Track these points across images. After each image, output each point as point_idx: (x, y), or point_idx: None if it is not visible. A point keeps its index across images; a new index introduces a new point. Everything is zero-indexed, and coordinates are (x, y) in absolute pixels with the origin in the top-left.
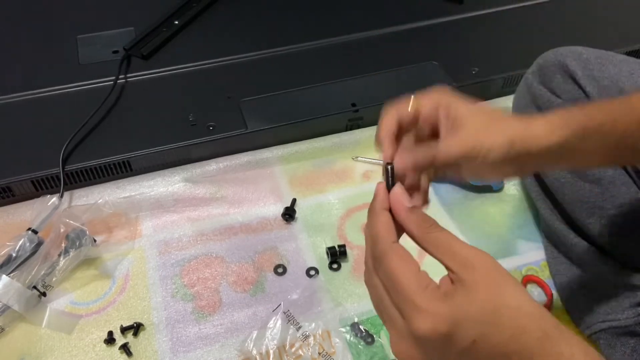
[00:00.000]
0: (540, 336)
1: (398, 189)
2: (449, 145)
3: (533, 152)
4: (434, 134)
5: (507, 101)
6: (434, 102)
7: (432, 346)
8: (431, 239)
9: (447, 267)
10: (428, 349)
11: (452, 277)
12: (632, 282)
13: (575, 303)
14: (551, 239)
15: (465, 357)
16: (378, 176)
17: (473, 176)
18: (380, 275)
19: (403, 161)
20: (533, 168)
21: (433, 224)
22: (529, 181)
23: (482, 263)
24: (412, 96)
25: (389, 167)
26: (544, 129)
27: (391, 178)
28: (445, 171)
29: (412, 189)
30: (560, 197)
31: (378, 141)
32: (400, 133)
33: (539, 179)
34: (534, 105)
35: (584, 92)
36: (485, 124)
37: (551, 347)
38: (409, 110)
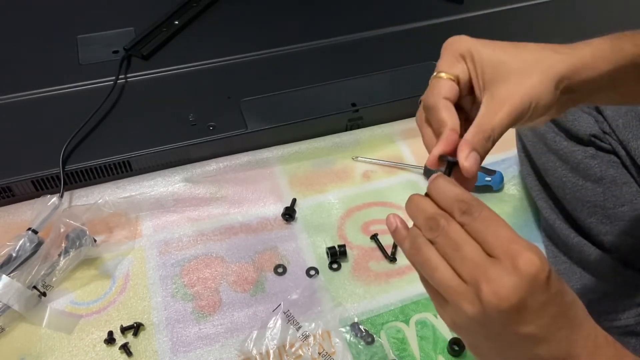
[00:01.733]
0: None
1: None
2: (492, 117)
3: (583, 84)
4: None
5: None
6: (454, 57)
7: (502, 321)
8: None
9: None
10: (494, 325)
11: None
12: (633, 282)
13: None
14: (552, 239)
15: (550, 319)
16: (378, 176)
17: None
18: (474, 223)
19: (471, 162)
20: (585, 98)
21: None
22: (529, 180)
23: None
24: (437, 74)
25: (449, 159)
26: (591, 57)
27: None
28: None
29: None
30: (561, 196)
31: (431, 103)
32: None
33: (540, 178)
34: None
35: None
36: (521, 69)
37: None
38: (452, 80)
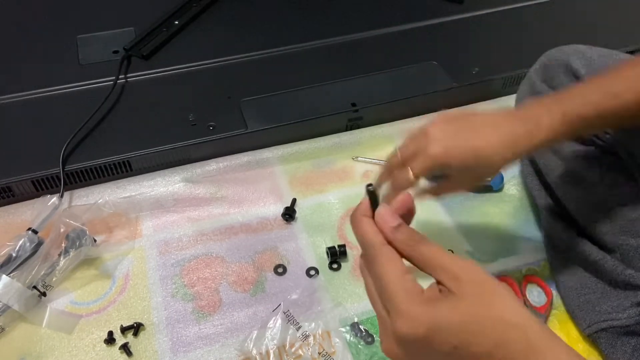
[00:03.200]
0: (524, 348)
1: (382, 209)
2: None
3: (536, 148)
4: None
5: (508, 101)
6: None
7: (413, 346)
8: (419, 255)
9: (436, 280)
10: (409, 349)
11: (441, 288)
12: (633, 282)
13: (576, 302)
14: (552, 238)
15: (449, 359)
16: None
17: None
18: (371, 275)
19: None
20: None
21: (420, 240)
22: (530, 180)
23: (470, 275)
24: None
25: (369, 189)
26: (546, 125)
27: (372, 200)
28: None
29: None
30: (562, 196)
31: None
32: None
33: (541, 178)
34: None
35: None
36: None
37: (535, 358)
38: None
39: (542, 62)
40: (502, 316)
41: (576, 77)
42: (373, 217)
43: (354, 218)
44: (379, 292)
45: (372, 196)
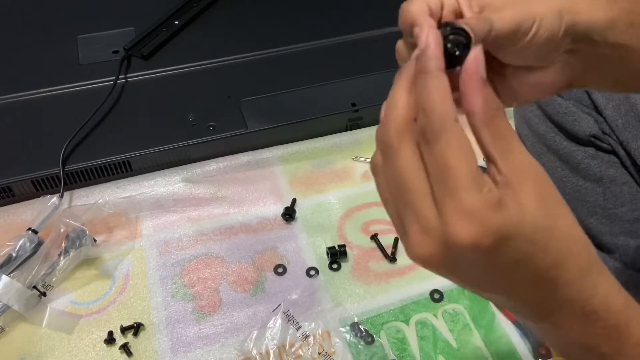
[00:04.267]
0: (584, 266)
1: (479, 51)
2: (501, 14)
3: (579, 28)
4: None
5: None
6: None
7: (466, 258)
8: (494, 129)
9: (495, 165)
10: (458, 259)
11: (500, 179)
12: (634, 282)
13: None
14: None
15: (499, 277)
16: None
17: (515, 60)
18: (428, 156)
19: (473, 21)
20: (583, 57)
21: (500, 109)
22: None
23: (537, 175)
24: None
25: (455, 27)
26: (587, 4)
27: (451, 50)
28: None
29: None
30: (561, 195)
31: (409, 21)
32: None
33: None
34: (536, 103)
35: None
36: None
37: (591, 280)
38: None
39: None
40: (569, 229)
41: None
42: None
43: (424, 70)
44: (436, 180)
45: (455, 41)
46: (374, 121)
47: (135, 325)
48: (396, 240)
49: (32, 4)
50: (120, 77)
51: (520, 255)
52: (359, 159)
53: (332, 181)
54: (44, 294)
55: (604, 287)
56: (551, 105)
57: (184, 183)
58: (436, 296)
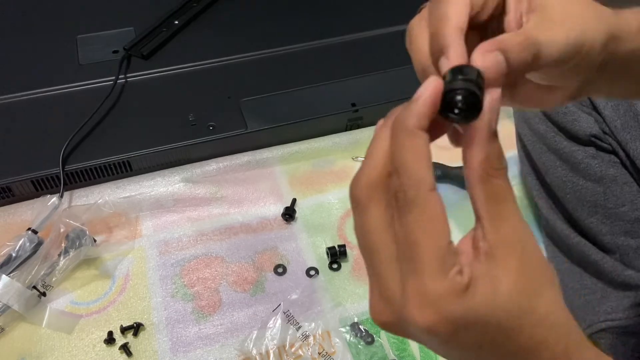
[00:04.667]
0: (559, 354)
1: (495, 102)
2: (543, 30)
3: (620, 54)
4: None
5: None
6: None
7: (421, 337)
8: (489, 188)
9: (483, 228)
10: (415, 335)
11: (482, 245)
12: (633, 282)
13: (576, 303)
14: (552, 239)
15: (458, 358)
16: None
17: (525, 93)
18: (397, 223)
19: (491, 59)
20: (605, 86)
21: (503, 168)
22: (529, 180)
23: (524, 249)
24: None
25: (471, 76)
26: (637, 22)
27: (450, 97)
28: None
29: None
30: (562, 195)
31: (440, 41)
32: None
33: (540, 178)
34: None
35: (590, 100)
36: (577, 4)
37: None
38: None
39: None
40: (547, 313)
41: None
42: (428, 133)
43: (403, 127)
44: (402, 251)
45: (459, 100)
46: (374, 121)
47: (135, 325)
48: None
49: (32, 4)
50: (120, 77)
51: (485, 340)
52: (359, 159)
53: (332, 181)
54: (44, 294)
55: None
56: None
57: (184, 183)
58: None
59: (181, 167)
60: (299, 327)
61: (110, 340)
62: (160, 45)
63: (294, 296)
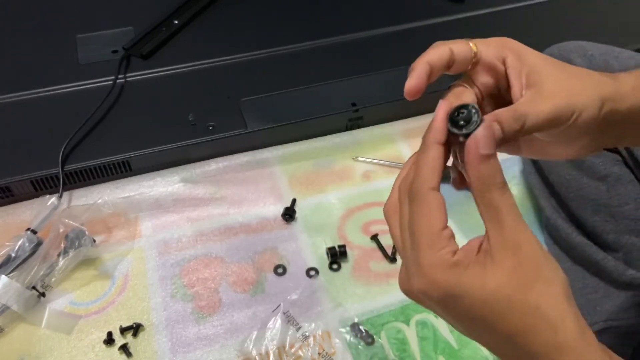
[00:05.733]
0: (550, 345)
1: (485, 130)
2: (531, 105)
3: (620, 113)
4: (486, 89)
5: None
6: (498, 46)
7: (423, 300)
8: (487, 201)
9: (487, 231)
10: (421, 302)
11: (484, 246)
12: (635, 282)
13: (578, 302)
14: (554, 238)
15: (457, 324)
16: (378, 176)
17: (541, 147)
18: (407, 210)
19: (489, 127)
20: (614, 139)
21: (498, 183)
22: (532, 179)
23: (520, 251)
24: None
25: (471, 107)
26: (632, 86)
27: (456, 118)
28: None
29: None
30: (565, 194)
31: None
32: (435, 73)
33: (543, 177)
34: None
35: None
36: (569, 79)
37: (559, 356)
38: (471, 46)
39: None
40: (538, 305)
41: None
42: (444, 142)
43: (424, 140)
44: (410, 234)
45: (462, 114)
46: (374, 121)
47: (134, 325)
48: None
49: (32, 4)
50: (119, 76)
51: (476, 315)
52: (359, 159)
53: (332, 181)
54: (43, 295)
55: None
56: None
57: (184, 183)
58: None
59: (181, 167)
60: (299, 328)
61: (109, 340)
62: (159, 45)
63: (294, 296)
